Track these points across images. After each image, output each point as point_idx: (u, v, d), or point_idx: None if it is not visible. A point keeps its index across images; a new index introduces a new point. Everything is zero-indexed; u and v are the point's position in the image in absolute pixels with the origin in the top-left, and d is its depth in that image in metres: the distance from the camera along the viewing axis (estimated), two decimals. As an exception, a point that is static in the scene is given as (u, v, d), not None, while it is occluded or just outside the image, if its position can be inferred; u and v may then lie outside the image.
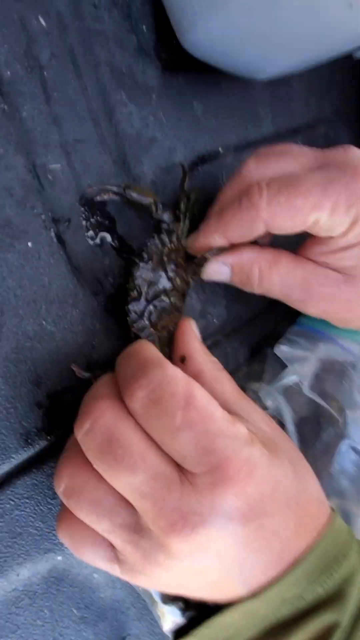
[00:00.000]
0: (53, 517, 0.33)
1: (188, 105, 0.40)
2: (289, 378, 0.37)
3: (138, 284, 0.32)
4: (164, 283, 0.33)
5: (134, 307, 0.32)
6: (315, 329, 0.40)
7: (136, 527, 0.25)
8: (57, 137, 0.33)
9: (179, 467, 0.25)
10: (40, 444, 0.32)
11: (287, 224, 0.31)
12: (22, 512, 0.31)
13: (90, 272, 0.34)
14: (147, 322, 0.33)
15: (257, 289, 0.35)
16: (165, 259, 0.33)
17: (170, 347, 0.35)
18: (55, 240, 0.32)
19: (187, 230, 0.37)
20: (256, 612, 0.27)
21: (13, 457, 0.30)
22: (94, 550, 0.28)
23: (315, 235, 0.33)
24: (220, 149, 0.43)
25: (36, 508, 0.32)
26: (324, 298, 0.34)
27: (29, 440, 0.31)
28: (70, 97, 0.34)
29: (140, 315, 0.33)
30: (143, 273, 0.33)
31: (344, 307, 0.35)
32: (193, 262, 0.36)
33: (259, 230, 0.32)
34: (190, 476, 0.24)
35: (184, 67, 0.39)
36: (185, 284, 0.36)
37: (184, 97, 0.39)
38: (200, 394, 0.25)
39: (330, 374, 0.36)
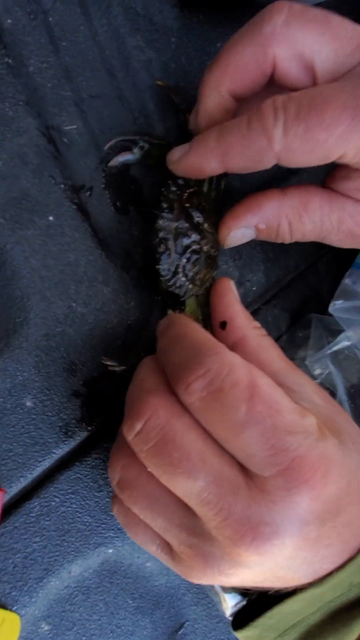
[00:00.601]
0: (101, 510, 0.31)
1: (212, 48, 0.35)
2: (342, 343, 0.34)
3: (163, 237, 0.28)
4: (192, 231, 0.29)
5: (165, 264, 0.29)
6: None
7: (196, 529, 0.23)
8: (70, 94, 0.29)
9: (243, 469, 0.22)
10: (81, 436, 0.29)
11: (304, 159, 0.26)
12: (69, 509, 0.29)
13: (118, 245, 0.31)
14: (183, 278, 0.29)
15: (290, 240, 0.30)
16: (187, 205, 0.29)
17: (209, 306, 0.31)
18: (78, 211, 0.29)
19: None
20: (321, 598, 0.25)
21: (54, 452, 0.28)
22: (148, 542, 0.26)
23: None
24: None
25: (82, 503, 0.30)
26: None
27: (69, 433, 0.29)
28: (81, 45, 0.30)
29: (175, 272, 0.29)
30: (166, 224, 0.28)
31: None
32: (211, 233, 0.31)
33: (267, 163, 0.26)
34: (257, 479, 0.21)
35: (203, 3, 0.35)
36: (216, 228, 0.31)
37: (206, 38, 0.35)
38: (265, 382, 0.22)
39: None
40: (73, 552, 0.29)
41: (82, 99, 0.30)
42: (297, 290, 0.44)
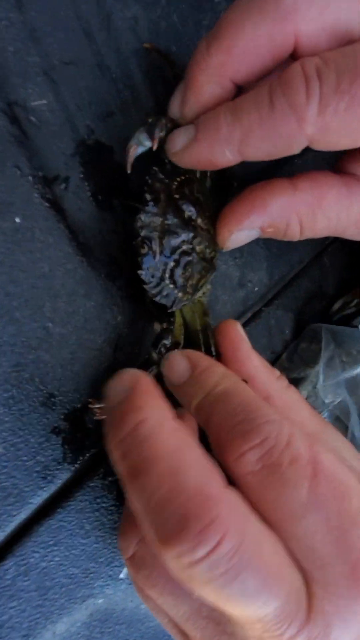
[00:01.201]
0: (88, 559, 0.27)
1: (208, 4, 0.29)
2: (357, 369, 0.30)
3: (146, 236, 0.23)
4: (182, 228, 0.24)
5: (149, 269, 0.23)
6: None
7: (227, 628, 0.19)
8: (38, 60, 0.23)
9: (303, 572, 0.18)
10: (62, 478, 0.25)
11: (343, 142, 0.21)
12: (51, 563, 0.25)
13: (101, 249, 0.26)
14: (171, 286, 0.24)
15: (298, 239, 0.26)
16: (176, 196, 0.24)
17: (208, 316, 0.27)
18: (51, 209, 0.24)
19: None
20: None
21: (31, 502, 0.24)
22: (159, 616, 0.22)
23: None
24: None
25: (66, 554, 0.26)
26: None
27: (48, 477, 0.24)
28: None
29: (161, 278, 0.24)
30: (149, 220, 0.23)
31: None
32: (208, 232, 0.26)
33: (296, 148, 0.21)
34: (316, 581, 0.17)
35: None
36: (212, 224, 0.26)
37: (202, -10, 0.29)
38: (328, 458, 0.18)
39: None
40: (57, 611, 0.25)
41: (53, 66, 0.24)
42: (301, 286, 0.39)
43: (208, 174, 0.27)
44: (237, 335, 0.24)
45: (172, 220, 0.24)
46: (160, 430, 0.18)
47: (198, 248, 0.25)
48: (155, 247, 0.23)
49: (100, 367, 0.26)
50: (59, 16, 0.24)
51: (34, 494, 0.24)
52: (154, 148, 0.24)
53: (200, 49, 0.21)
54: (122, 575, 0.28)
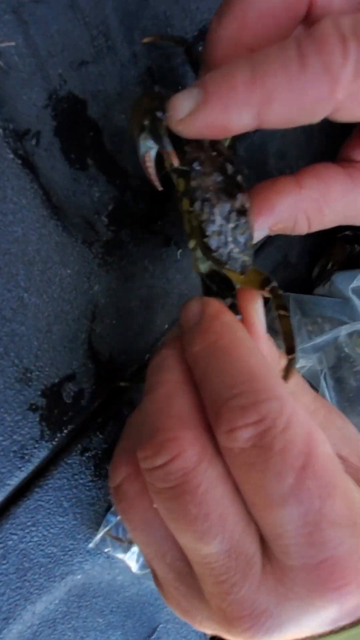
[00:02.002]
0: (67, 536, 0.26)
1: None
2: (331, 334, 0.30)
3: (204, 198, 0.21)
4: (232, 186, 0.21)
5: (214, 235, 0.21)
6: None
7: (187, 580, 0.19)
8: (4, -6, 0.21)
9: (265, 545, 0.18)
10: (40, 455, 0.24)
11: None
12: (29, 544, 0.24)
13: (76, 212, 0.24)
14: (235, 248, 0.22)
15: (308, 231, 0.25)
16: (214, 153, 0.21)
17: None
18: (24, 167, 0.21)
19: None
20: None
21: (8, 484, 0.22)
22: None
23: None
24: None
25: (45, 533, 0.25)
26: None
27: (26, 457, 0.23)
28: None
29: (225, 243, 0.22)
30: (200, 181, 0.21)
31: None
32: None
33: (319, 115, 0.19)
34: (277, 564, 0.17)
35: None
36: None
37: None
38: (323, 452, 0.17)
39: None
40: (36, 592, 0.25)
41: (22, 3, 0.21)
42: (268, 256, 0.39)
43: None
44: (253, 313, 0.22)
45: (220, 177, 0.21)
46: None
47: (247, 206, 0.22)
48: (216, 210, 0.21)
49: (77, 340, 0.24)
50: None
51: (11, 474, 0.22)
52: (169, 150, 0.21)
53: (212, 27, 0.20)
54: (91, 545, 0.27)
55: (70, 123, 0.24)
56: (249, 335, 0.20)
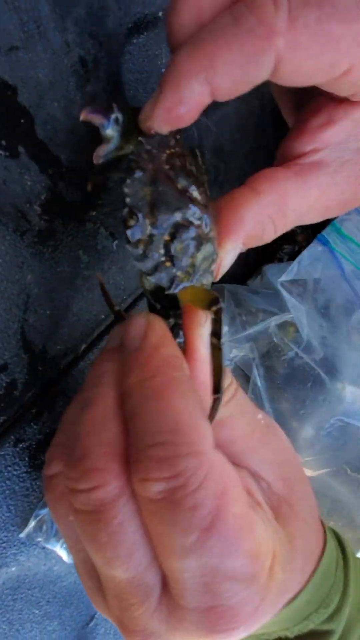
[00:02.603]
0: (0, 529, 0.26)
1: None
2: (264, 324, 0.32)
3: (133, 205, 0.20)
4: (176, 198, 0.21)
5: (138, 241, 0.20)
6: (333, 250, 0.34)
7: (94, 579, 0.21)
8: None
9: (164, 578, 0.19)
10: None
11: (307, 69, 0.19)
12: None
13: (7, 201, 0.24)
14: (166, 261, 0.21)
15: (274, 237, 0.25)
16: (166, 167, 0.21)
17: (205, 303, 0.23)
18: None
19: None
20: None
21: None
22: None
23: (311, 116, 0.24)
24: (161, 13, 0.31)
25: (-23, 526, 0.24)
26: (344, 207, 0.26)
27: None
28: None
29: (155, 252, 0.20)
30: (135, 188, 0.20)
31: None
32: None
33: (264, 69, 0.19)
34: (173, 599, 0.19)
35: None
36: (207, 200, 0.23)
37: None
38: (233, 514, 0.18)
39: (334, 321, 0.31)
40: (-32, 585, 0.24)
41: None
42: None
43: (198, 153, 0.25)
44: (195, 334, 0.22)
45: (163, 188, 0.21)
46: None
47: (196, 222, 0.21)
48: (145, 217, 0.20)
49: (8, 330, 0.24)
50: None
51: None
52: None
53: (170, 19, 0.20)
54: (22, 535, 0.27)
55: (0, 109, 0.23)
56: (186, 375, 0.20)
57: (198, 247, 0.21)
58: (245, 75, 0.19)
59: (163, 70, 0.23)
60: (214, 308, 0.21)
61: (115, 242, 0.30)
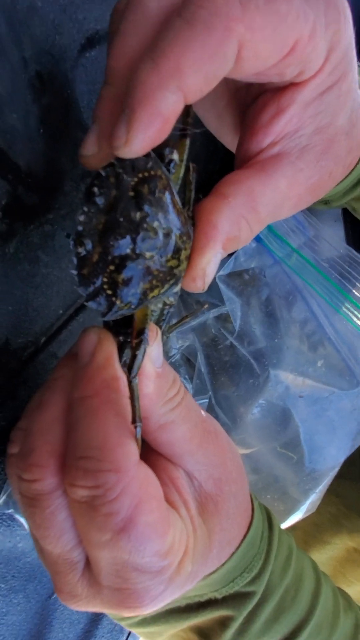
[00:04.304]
0: (-32, 508, 0.28)
1: None
2: (205, 316, 0.35)
3: (82, 234, 0.21)
4: (129, 230, 0.21)
5: (83, 268, 0.21)
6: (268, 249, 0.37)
7: (37, 543, 0.24)
8: None
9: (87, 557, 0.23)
10: None
11: (268, 45, 0.20)
12: None
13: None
14: (107, 290, 0.21)
15: (253, 237, 0.25)
16: (131, 194, 0.21)
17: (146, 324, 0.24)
18: None
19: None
20: None
21: None
22: None
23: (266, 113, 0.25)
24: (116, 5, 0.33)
25: None
26: (315, 191, 0.27)
27: None
28: None
29: (97, 281, 0.21)
30: (90, 217, 0.21)
31: (330, 181, 0.27)
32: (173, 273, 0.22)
33: (229, 59, 0.19)
34: (92, 576, 0.23)
35: None
36: (180, 225, 0.22)
37: None
38: (144, 522, 0.21)
39: (268, 315, 0.35)
40: None
41: None
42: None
43: (181, 175, 0.25)
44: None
45: (119, 219, 0.21)
46: None
47: (148, 254, 0.21)
48: (93, 246, 0.21)
49: (-26, 325, 0.26)
50: None
51: None
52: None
53: (153, 75, 0.19)
54: None
55: None
56: (122, 396, 0.22)
57: (147, 279, 0.22)
58: (214, 70, 0.19)
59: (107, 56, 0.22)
60: (136, 340, 0.22)
61: (72, 242, 0.32)
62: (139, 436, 0.22)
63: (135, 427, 0.22)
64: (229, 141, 0.31)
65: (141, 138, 0.19)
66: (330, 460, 0.37)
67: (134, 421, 0.22)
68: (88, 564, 0.23)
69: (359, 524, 0.57)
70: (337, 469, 0.39)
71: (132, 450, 0.22)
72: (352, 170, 0.30)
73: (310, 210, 0.56)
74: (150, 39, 0.20)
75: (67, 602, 0.24)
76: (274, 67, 0.22)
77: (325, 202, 0.37)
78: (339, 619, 0.33)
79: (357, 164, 0.30)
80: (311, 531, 0.62)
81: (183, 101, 0.19)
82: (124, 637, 0.44)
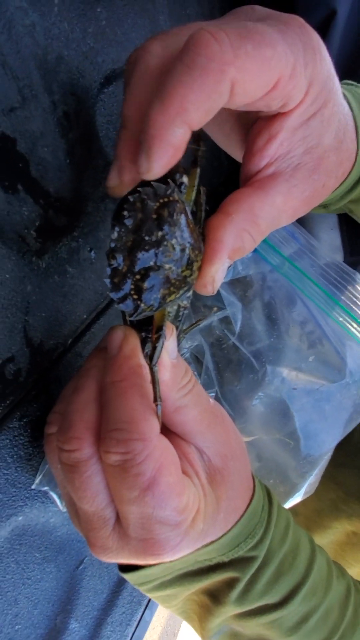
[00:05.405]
0: (10, 485, 0.32)
1: (92, 12, 0.34)
2: (211, 318, 0.40)
3: (115, 249, 0.25)
4: (153, 246, 0.25)
5: (114, 277, 0.25)
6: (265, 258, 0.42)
7: (72, 504, 0.29)
8: None
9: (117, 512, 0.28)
10: (-11, 422, 0.30)
11: (254, 84, 0.23)
12: (-18, 491, 0.30)
13: (11, 228, 0.30)
14: (134, 295, 0.26)
15: (255, 246, 0.29)
16: (154, 216, 0.25)
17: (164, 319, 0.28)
18: (-29, 197, 0.27)
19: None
20: (172, 567, 0.34)
21: (-35, 443, 0.29)
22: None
23: (257, 140, 0.28)
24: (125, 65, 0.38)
25: (-6, 482, 0.31)
26: (310, 202, 0.30)
27: (-22, 422, 0.29)
28: None
29: (126, 288, 0.25)
30: (121, 234, 0.25)
31: (324, 191, 0.31)
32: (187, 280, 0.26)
33: (224, 96, 0.23)
34: (122, 528, 0.28)
35: None
36: (193, 241, 0.26)
37: (87, 1, 0.33)
38: (165, 482, 0.26)
39: (265, 316, 0.39)
40: (-12, 529, 0.31)
41: (-36, 65, 0.27)
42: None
43: (193, 197, 0.29)
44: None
45: (145, 237, 0.25)
46: None
47: (167, 266, 0.25)
48: (123, 259, 0.25)
49: (15, 330, 0.31)
50: (-34, 18, 0.27)
51: (-33, 436, 0.29)
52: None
53: (161, 117, 0.22)
54: (33, 486, 0.34)
55: (4, 157, 0.30)
56: (145, 380, 0.27)
57: (166, 287, 0.26)
58: (211, 105, 0.23)
59: (122, 106, 0.27)
60: (155, 335, 0.27)
61: (94, 255, 0.37)
62: (159, 413, 0.26)
63: (157, 406, 0.26)
64: (237, 155, 0.35)
65: (158, 164, 0.23)
66: (324, 446, 0.41)
67: (155, 400, 0.26)
68: (118, 520, 0.28)
69: (357, 509, 0.61)
70: (330, 454, 0.43)
71: (155, 424, 0.26)
72: (346, 178, 0.34)
73: (308, 218, 0.60)
74: (153, 89, 0.24)
75: (99, 555, 0.28)
76: (260, 100, 0.25)
77: (324, 206, 0.41)
78: (332, 584, 0.37)
79: (349, 173, 0.34)
80: (312, 517, 0.66)
81: (189, 131, 0.23)
82: (142, 608, 0.49)
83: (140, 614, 0.49)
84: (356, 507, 0.61)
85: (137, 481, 0.25)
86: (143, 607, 0.49)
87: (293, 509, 0.53)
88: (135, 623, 0.48)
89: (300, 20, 0.26)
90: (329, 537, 0.64)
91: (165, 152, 0.23)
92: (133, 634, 0.48)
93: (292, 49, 0.25)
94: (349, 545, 0.63)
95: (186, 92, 0.22)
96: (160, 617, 2.12)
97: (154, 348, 0.27)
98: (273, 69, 0.24)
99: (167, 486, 0.26)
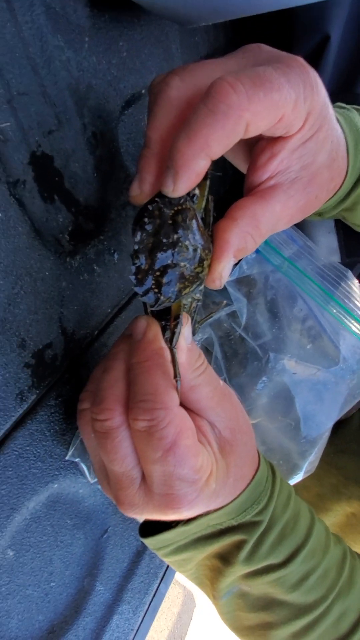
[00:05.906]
0: (49, 456, 0.37)
1: (115, 46, 0.39)
2: (220, 313, 0.45)
3: (138, 250, 0.29)
4: (170, 247, 0.29)
5: (138, 274, 0.29)
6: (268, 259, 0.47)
7: (103, 469, 0.34)
8: (2, 91, 0.31)
9: (143, 474, 0.32)
10: (32, 399, 0.35)
11: (265, 122, 0.28)
12: (25, 458, 0.35)
13: (49, 233, 0.35)
14: (155, 289, 0.30)
15: (257, 247, 0.33)
16: (170, 222, 0.29)
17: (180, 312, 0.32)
18: (19, 206, 0.32)
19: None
20: (188, 531, 0.38)
21: (13, 415, 0.33)
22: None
23: (258, 158, 0.33)
24: (143, 90, 0.43)
25: (35, 452, 0.36)
26: (304, 211, 0.34)
27: (24, 398, 0.34)
28: (9, 42, 0.31)
29: (148, 283, 0.30)
30: (143, 237, 0.29)
31: (317, 202, 0.35)
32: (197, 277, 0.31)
33: (240, 134, 0.27)
34: (147, 486, 0.32)
35: (109, 1, 0.38)
36: (203, 242, 0.30)
37: (111, 37, 0.38)
38: (184, 445, 0.30)
39: (267, 310, 0.44)
40: (30, 492, 0.36)
41: (13, 96, 0.32)
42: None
43: (203, 205, 0.33)
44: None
45: (162, 239, 0.29)
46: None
47: (182, 264, 0.30)
48: (145, 258, 0.29)
49: (52, 320, 0.36)
50: (15, 56, 0.32)
51: (15, 410, 0.33)
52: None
53: (188, 152, 0.27)
54: (67, 457, 0.39)
55: (43, 173, 0.35)
56: (166, 361, 0.32)
57: (182, 281, 0.30)
58: (230, 141, 0.27)
59: (146, 129, 0.32)
60: (173, 323, 0.32)
61: (117, 256, 0.42)
62: (179, 387, 0.31)
63: (176, 381, 0.31)
64: (241, 167, 0.40)
65: (183, 186, 0.28)
66: (322, 426, 0.45)
67: (175, 376, 0.31)
68: (143, 480, 0.32)
69: (356, 492, 0.65)
70: (328, 434, 0.48)
71: (175, 396, 0.31)
72: (337, 191, 0.40)
73: (307, 223, 0.65)
74: (173, 116, 0.30)
75: (127, 511, 0.33)
76: (267, 131, 0.30)
77: (319, 214, 0.46)
78: (329, 548, 0.42)
79: (340, 186, 0.39)
80: (315, 502, 0.71)
81: (210, 162, 0.28)
82: (158, 580, 0.53)
83: (156, 585, 0.53)
84: (355, 489, 0.65)
85: (160, 443, 0.30)
86: (159, 579, 0.54)
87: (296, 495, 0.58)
88: (152, 593, 0.52)
89: (300, 60, 0.30)
90: (330, 520, 0.69)
91: (189, 178, 0.28)
92: (150, 602, 0.52)
93: (295, 88, 0.29)
94: (349, 527, 0.67)
95: (209, 132, 0.27)
96: (168, 620, 2.15)
97: (173, 333, 0.32)
98: (280, 108, 0.28)
99: (185, 448, 0.30)
